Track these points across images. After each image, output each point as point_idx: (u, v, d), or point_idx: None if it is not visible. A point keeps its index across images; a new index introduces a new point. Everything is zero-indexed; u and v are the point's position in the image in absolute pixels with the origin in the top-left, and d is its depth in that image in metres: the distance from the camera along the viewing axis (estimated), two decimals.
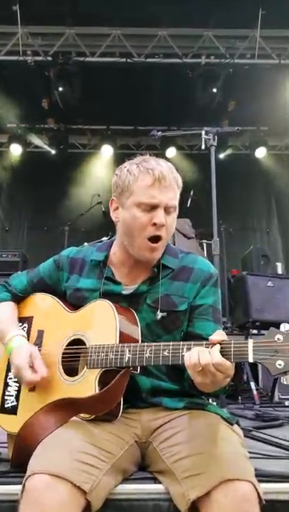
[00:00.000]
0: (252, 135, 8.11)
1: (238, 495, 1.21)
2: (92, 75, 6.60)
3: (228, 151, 7.89)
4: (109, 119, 7.78)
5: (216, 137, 3.27)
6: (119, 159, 8.20)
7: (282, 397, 4.78)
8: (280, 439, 2.20)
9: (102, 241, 2.34)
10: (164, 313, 1.60)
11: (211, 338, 1.32)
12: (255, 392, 4.30)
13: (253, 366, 5.05)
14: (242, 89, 6.80)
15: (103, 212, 6.26)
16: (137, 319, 1.58)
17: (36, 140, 8.10)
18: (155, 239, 1.58)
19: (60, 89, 6.63)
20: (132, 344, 1.46)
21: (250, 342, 1.25)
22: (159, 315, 1.60)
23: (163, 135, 3.37)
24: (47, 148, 8.17)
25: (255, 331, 5.01)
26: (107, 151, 7.96)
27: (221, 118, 7.14)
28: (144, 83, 6.61)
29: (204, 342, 1.32)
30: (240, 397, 4.46)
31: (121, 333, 1.50)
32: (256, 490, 1.24)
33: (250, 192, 8.26)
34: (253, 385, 4.39)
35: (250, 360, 1.23)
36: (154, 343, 1.42)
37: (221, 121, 7.12)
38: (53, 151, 8.15)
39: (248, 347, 1.25)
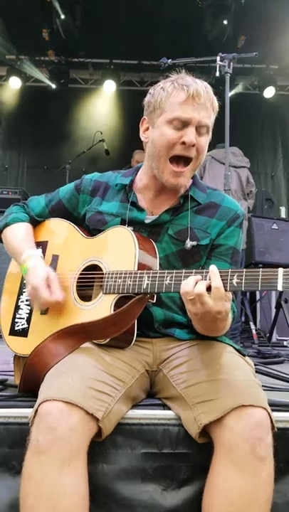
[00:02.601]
0: (261, 74, 7.79)
1: (252, 420, 1.21)
2: (95, 3, 6.22)
3: (235, 90, 7.59)
4: (113, 52, 7.41)
5: (232, 64, 3.11)
6: (122, 95, 7.93)
7: (280, 338, 4.87)
8: (285, 373, 2.21)
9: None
10: (194, 243, 1.56)
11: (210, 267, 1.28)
12: (254, 332, 4.36)
13: (252, 307, 5.12)
14: (253, 24, 6.43)
15: (106, 150, 6.08)
16: (156, 250, 1.54)
17: (36, 73, 7.75)
18: (183, 160, 1.51)
19: (62, 17, 6.27)
20: (151, 271, 1.42)
21: (281, 270, 1.19)
22: (189, 244, 1.55)
23: (173, 63, 3.18)
24: (47, 82, 7.85)
25: None
26: (109, 86, 7.66)
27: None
28: (150, 12, 6.24)
29: (230, 270, 1.26)
30: (239, 337, 4.53)
31: (140, 261, 1.45)
32: (270, 416, 1.24)
33: (256, 134, 8.04)
34: (252, 325, 4.45)
35: (280, 288, 1.17)
36: (175, 271, 1.37)
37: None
38: (54, 86, 7.82)
39: (277, 274, 1.19)
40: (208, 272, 1.28)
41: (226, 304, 1.27)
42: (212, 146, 4.45)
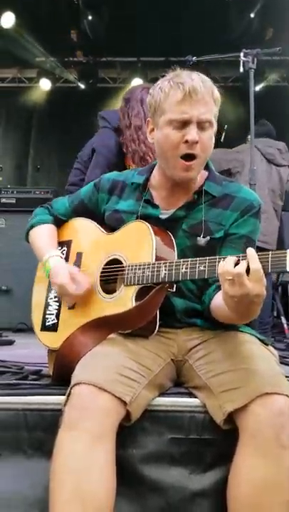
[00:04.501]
0: None
1: (275, 408, 1.25)
2: (121, 2, 6.29)
3: (265, 83, 7.52)
4: (140, 50, 7.46)
5: (256, 60, 3.10)
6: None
7: None
8: None
9: None
10: (207, 238, 1.58)
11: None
12: (285, 326, 4.35)
13: (284, 302, 5.08)
14: (281, 15, 6.36)
15: None
16: (174, 241, 1.59)
17: (65, 74, 7.89)
18: (189, 157, 1.53)
19: (90, 18, 6.38)
20: (168, 261, 1.47)
21: None
22: (202, 240, 1.58)
23: (198, 60, 3.21)
24: (76, 82, 7.98)
25: None
26: (137, 84, 7.72)
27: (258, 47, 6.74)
28: (176, 8, 6.25)
29: (240, 255, 1.29)
30: (270, 332, 4.52)
31: (157, 253, 1.51)
32: None
33: (286, 129, 7.93)
34: (283, 319, 4.44)
35: (288, 268, 1.20)
36: (190, 259, 1.42)
37: None
38: (83, 86, 7.95)
39: (286, 255, 1.21)
40: (242, 256, 1.28)
41: (263, 288, 1.26)
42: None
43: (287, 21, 6.25)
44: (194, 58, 3.26)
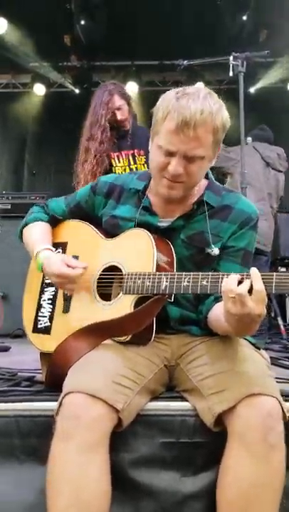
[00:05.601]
0: (285, 67, 7.69)
1: (262, 409, 1.26)
2: (114, 6, 6.31)
3: (259, 85, 7.54)
4: (134, 53, 7.49)
5: (245, 63, 3.10)
6: (145, 97, 7.98)
7: None
8: None
9: None
10: (216, 251, 1.57)
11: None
12: (282, 327, 4.36)
13: (281, 302, 5.10)
14: (275, 16, 6.37)
15: None
16: (173, 251, 1.58)
17: (60, 79, 7.91)
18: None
19: (82, 22, 6.41)
20: (169, 273, 1.47)
21: None
22: (214, 250, 1.57)
23: (189, 64, 3.23)
24: (71, 87, 8.00)
25: (283, 269, 5.01)
26: (132, 88, 7.71)
27: (252, 49, 6.76)
28: (169, 12, 6.27)
29: (245, 273, 1.29)
30: (266, 333, 4.52)
31: (158, 263, 1.51)
32: (281, 406, 1.29)
33: (282, 131, 7.92)
34: (280, 320, 4.45)
35: None
36: (192, 273, 1.41)
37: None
38: (77, 90, 7.98)
39: None
40: (246, 275, 1.29)
41: (264, 308, 1.27)
42: None
43: (281, 22, 6.27)
44: (185, 62, 3.27)
